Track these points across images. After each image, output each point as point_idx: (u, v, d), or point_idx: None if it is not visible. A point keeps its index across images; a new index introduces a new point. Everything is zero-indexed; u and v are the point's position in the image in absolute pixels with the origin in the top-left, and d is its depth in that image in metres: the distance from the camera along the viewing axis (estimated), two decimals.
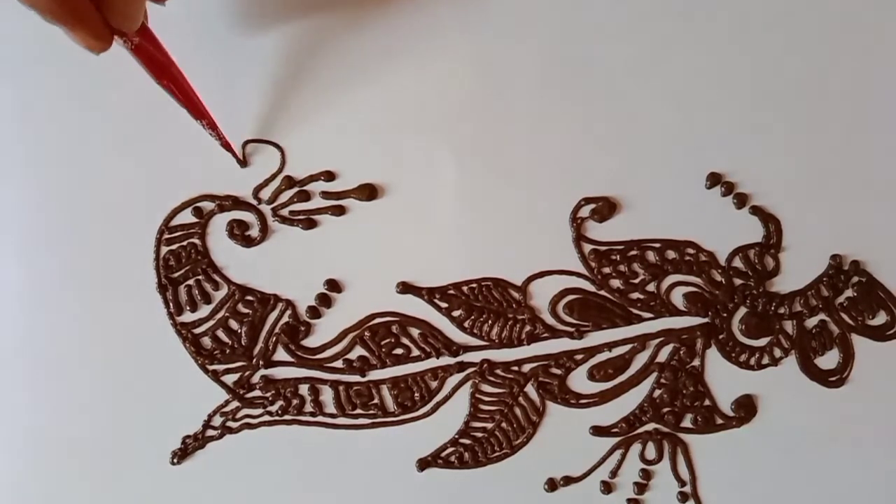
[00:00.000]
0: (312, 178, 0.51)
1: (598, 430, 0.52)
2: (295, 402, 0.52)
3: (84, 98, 0.51)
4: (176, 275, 0.51)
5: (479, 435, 0.52)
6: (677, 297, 0.52)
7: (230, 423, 0.52)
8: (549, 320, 0.52)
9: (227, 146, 0.49)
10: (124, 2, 0.39)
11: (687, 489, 0.52)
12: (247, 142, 0.51)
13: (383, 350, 0.52)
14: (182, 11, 0.50)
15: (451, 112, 0.51)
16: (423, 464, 0.52)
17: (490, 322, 0.52)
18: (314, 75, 0.51)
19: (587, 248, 0.51)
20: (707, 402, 0.52)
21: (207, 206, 0.51)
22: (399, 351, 0.52)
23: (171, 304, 0.51)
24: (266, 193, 0.51)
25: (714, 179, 0.51)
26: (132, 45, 0.42)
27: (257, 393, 0.52)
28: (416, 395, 0.52)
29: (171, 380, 0.52)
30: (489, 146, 0.51)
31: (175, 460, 0.52)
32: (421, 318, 0.52)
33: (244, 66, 0.51)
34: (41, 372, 0.52)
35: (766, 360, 0.52)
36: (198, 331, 0.52)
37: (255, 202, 0.52)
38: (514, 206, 0.51)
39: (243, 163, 0.51)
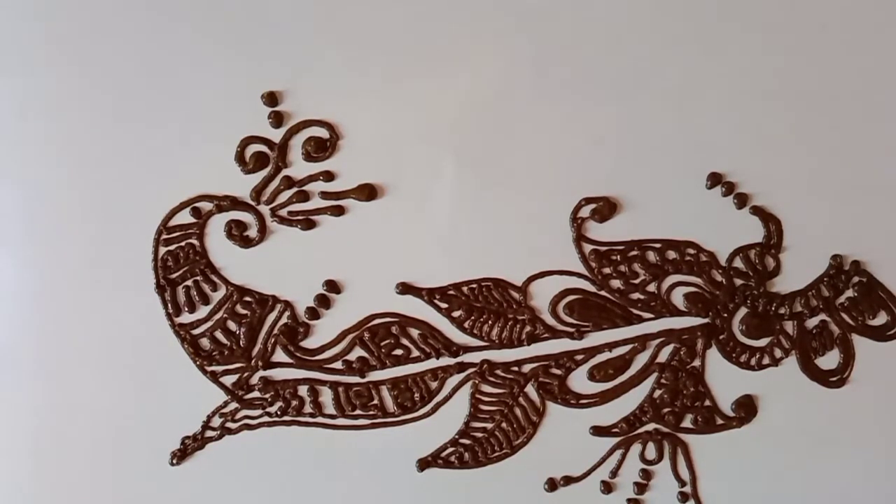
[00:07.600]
0: (311, 179, 0.51)
1: (598, 430, 0.52)
2: (294, 403, 0.52)
3: (83, 98, 0.51)
4: (174, 275, 0.51)
5: (479, 435, 0.52)
6: (678, 298, 0.52)
7: (229, 424, 0.52)
8: (550, 321, 0.52)
9: None
10: None
11: (687, 489, 0.52)
12: (246, 141, 0.51)
13: (383, 351, 0.51)
14: (182, 10, 0.50)
15: (452, 112, 0.51)
16: (423, 464, 0.52)
17: (490, 322, 0.51)
18: (313, 75, 0.51)
19: (587, 248, 0.51)
20: (707, 403, 0.52)
21: (206, 206, 0.51)
22: (399, 352, 0.52)
23: (169, 305, 0.51)
24: (265, 194, 0.51)
25: (715, 179, 0.51)
26: None
27: (256, 394, 0.52)
28: (416, 395, 0.52)
29: (169, 381, 0.51)
30: (489, 146, 0.51)
31: (174, 461, 0.52)
32: (421, 319, 0.51)
33: (244, 66, 0.50)
34: (40, 372, 0.52)
35: (766, 361, 0.52)
36: (196, 332, 0.51)
37: (253, 202, 0.51)
38: (515, 206, 0.51)
39: None
